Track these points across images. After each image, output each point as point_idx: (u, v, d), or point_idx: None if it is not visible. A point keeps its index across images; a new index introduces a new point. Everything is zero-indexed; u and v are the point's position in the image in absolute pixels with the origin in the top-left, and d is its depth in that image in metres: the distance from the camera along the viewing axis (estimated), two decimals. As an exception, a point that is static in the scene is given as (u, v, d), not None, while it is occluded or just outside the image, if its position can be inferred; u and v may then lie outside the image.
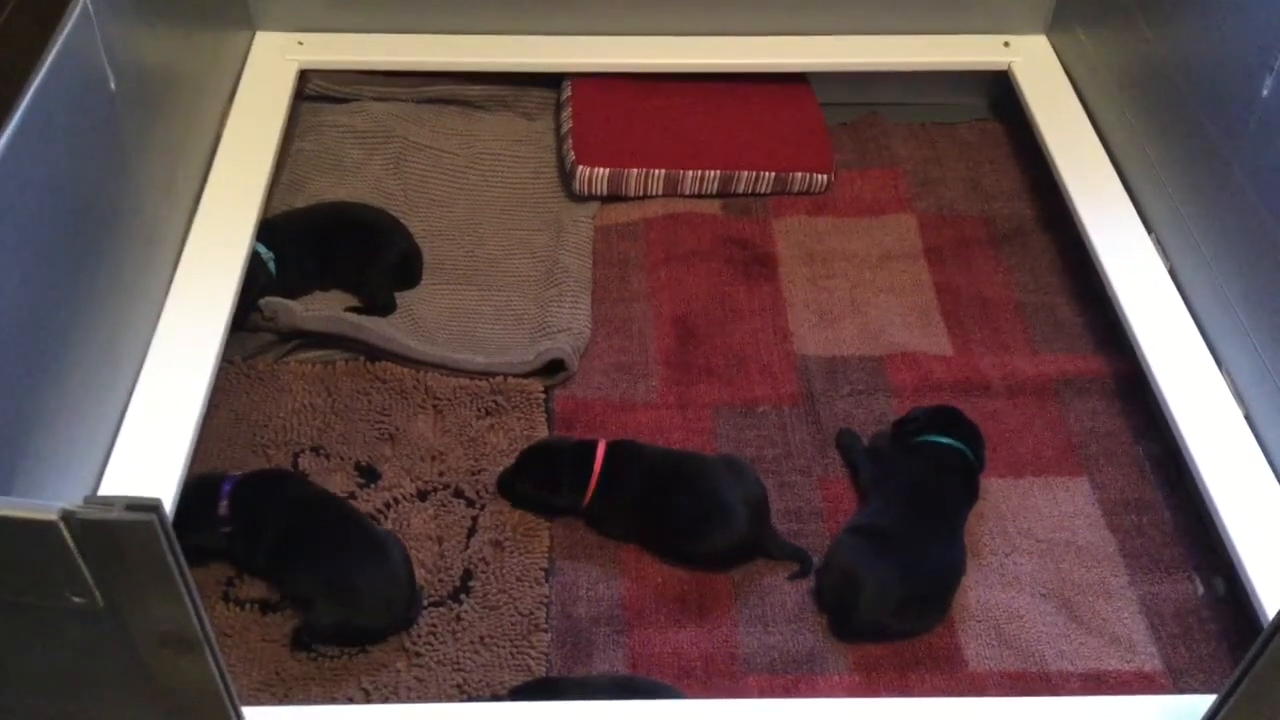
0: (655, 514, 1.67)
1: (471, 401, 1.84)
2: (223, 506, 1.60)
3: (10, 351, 1.34)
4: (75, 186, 1.52)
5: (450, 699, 1.52)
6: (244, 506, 1.61)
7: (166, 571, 0.96)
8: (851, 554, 1.60)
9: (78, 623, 1.02)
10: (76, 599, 0.98)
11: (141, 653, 1.03)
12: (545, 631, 1.58)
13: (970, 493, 1.70)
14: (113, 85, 1.58)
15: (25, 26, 1.52)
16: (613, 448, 1.70)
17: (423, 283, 2.04)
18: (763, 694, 1.53)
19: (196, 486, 1.60)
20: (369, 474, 1.75)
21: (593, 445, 1.70)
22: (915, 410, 1.77)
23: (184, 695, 1.08)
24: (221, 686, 1.07)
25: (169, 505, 1.50)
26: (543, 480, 1.69)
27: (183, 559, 0.96)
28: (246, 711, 1.17)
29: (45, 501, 0.93)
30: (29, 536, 0.94)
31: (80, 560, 0.95)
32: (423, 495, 1.73)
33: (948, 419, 1.74)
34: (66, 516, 0.92)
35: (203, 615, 1.01)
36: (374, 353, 1.89)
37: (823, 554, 1.66)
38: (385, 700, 1.51)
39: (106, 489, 1.52)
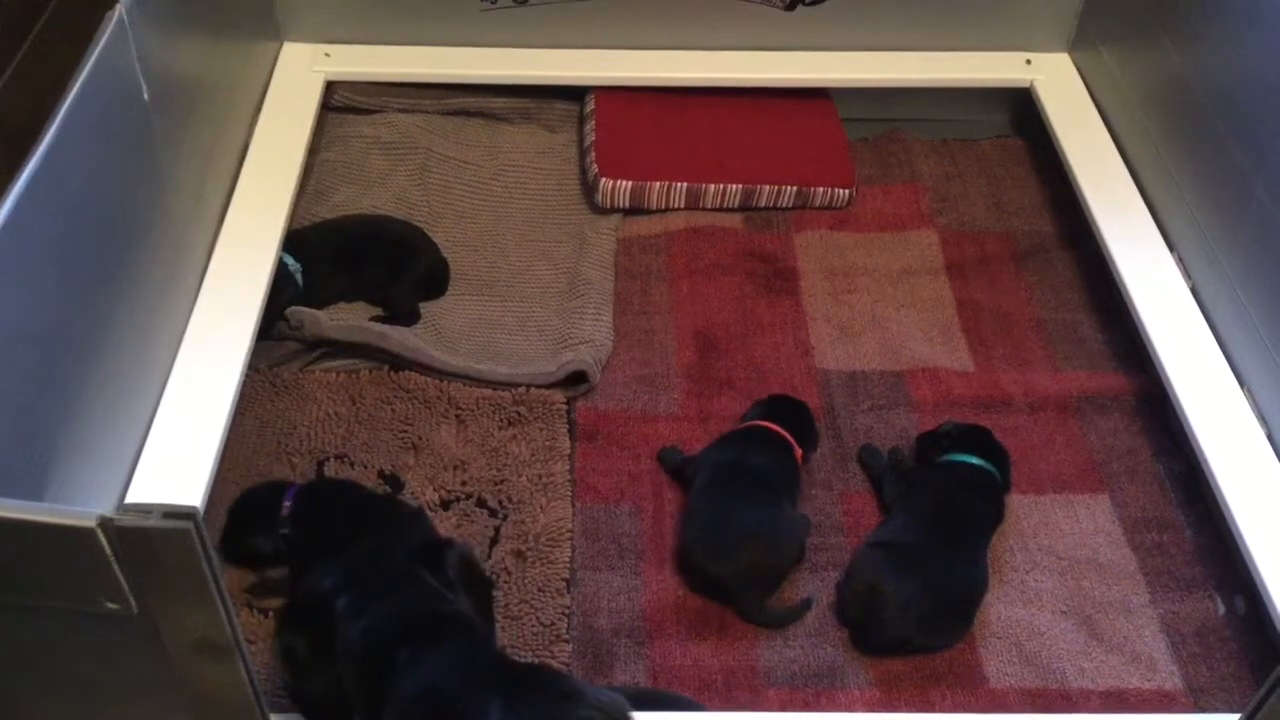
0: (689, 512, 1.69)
1: (494, 412, 1.85)
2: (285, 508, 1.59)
3: (42, 357, 1.36)
4: (108, 195, 1.53)
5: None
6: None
7: (201, 579, 0.97)
8: (875, 567, 1.60)
9: (111, 628, 1.03)
10: (111, 605, 0.99)
11: (174, 659, 1.04)
12: (566, 642, 1.59)
13: (996, 513, 1.70)
14: (146, 96, 1.60)
15: (62, 37, 1.54)
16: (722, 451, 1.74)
17: (446, 293, 2.05)
18: (783, 708, 1.54)
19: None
20: (392, 483, 1.76)
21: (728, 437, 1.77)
22: (945, 426, 1.77)
23: (215, 701, 1.09)
24: (252, 693, 1.08)
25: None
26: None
27: (217, 566, 0.98)
28: (275, 719, 1.18)
29: (83, 509, 0.94)
30: (66, 542, 0.95)
31: (116, 566, 0.96)
32: (445, 504, 1.74)
33: (979, 440, 1.74)
34: (104, 524, 0.93)
35: (235, 622, 1.02)
36: (398, 362, 1.90)
37: (844, 568, 1.66)
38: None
39: (134, 495, 1.53)
